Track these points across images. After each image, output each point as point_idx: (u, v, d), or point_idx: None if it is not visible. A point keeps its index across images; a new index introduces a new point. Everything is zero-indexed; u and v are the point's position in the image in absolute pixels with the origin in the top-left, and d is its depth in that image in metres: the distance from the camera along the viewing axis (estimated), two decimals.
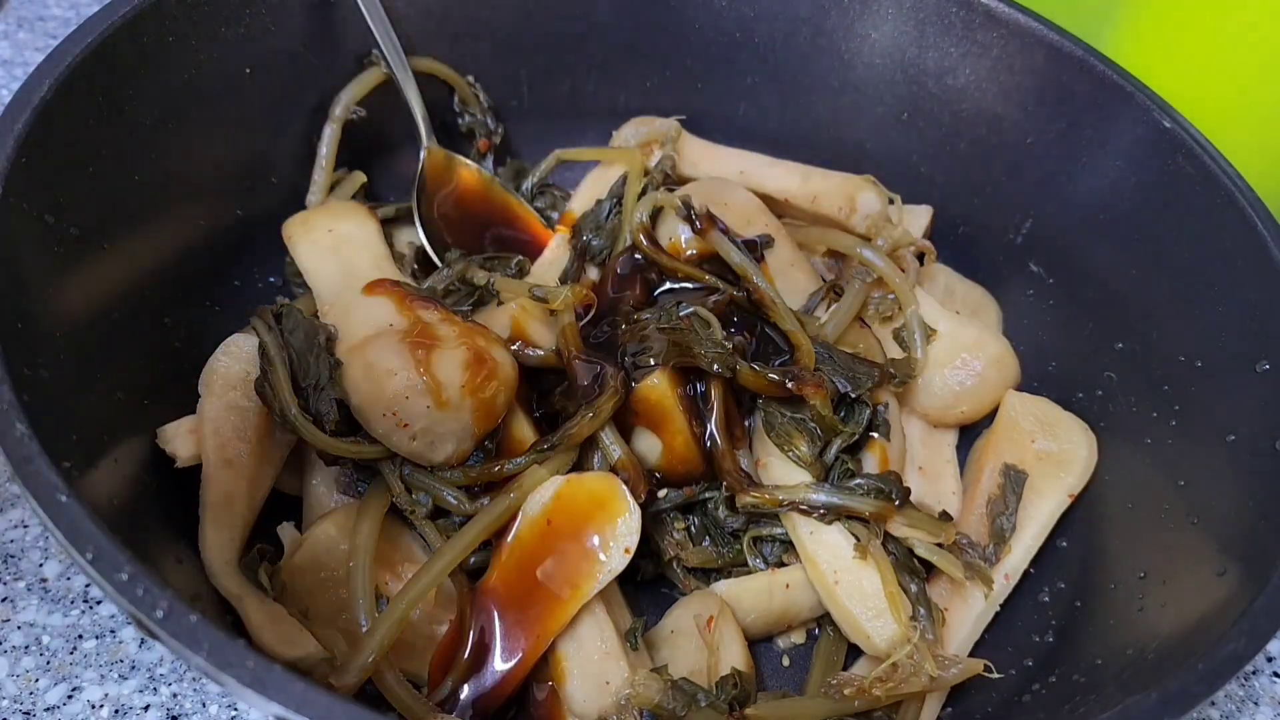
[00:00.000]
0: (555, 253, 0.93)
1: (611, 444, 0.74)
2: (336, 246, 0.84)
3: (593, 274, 0.88)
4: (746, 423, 0.80)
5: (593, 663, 0.68)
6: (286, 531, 0.73)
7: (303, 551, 0.71)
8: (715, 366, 0.75)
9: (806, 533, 0.75)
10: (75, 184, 0.67)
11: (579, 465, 0.74)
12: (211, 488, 0.71)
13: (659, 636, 0.75)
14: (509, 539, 0.70)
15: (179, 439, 0.72)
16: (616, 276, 0.85)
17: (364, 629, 0.66)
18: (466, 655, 0.68)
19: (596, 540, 0.68)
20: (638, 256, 0.84)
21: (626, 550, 0.67)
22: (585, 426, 0.72)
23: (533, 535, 0.70)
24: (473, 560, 0.72)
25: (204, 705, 0.71)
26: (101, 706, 0.70)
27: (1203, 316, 0.76)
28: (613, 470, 0.73)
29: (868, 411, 0.79)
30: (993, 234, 0.92)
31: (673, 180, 0.94)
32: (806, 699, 0.72)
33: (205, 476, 0.71)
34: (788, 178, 0.93)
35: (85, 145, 0.68)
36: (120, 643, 0.73)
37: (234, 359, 0.75)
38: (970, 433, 0.89)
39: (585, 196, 0.96)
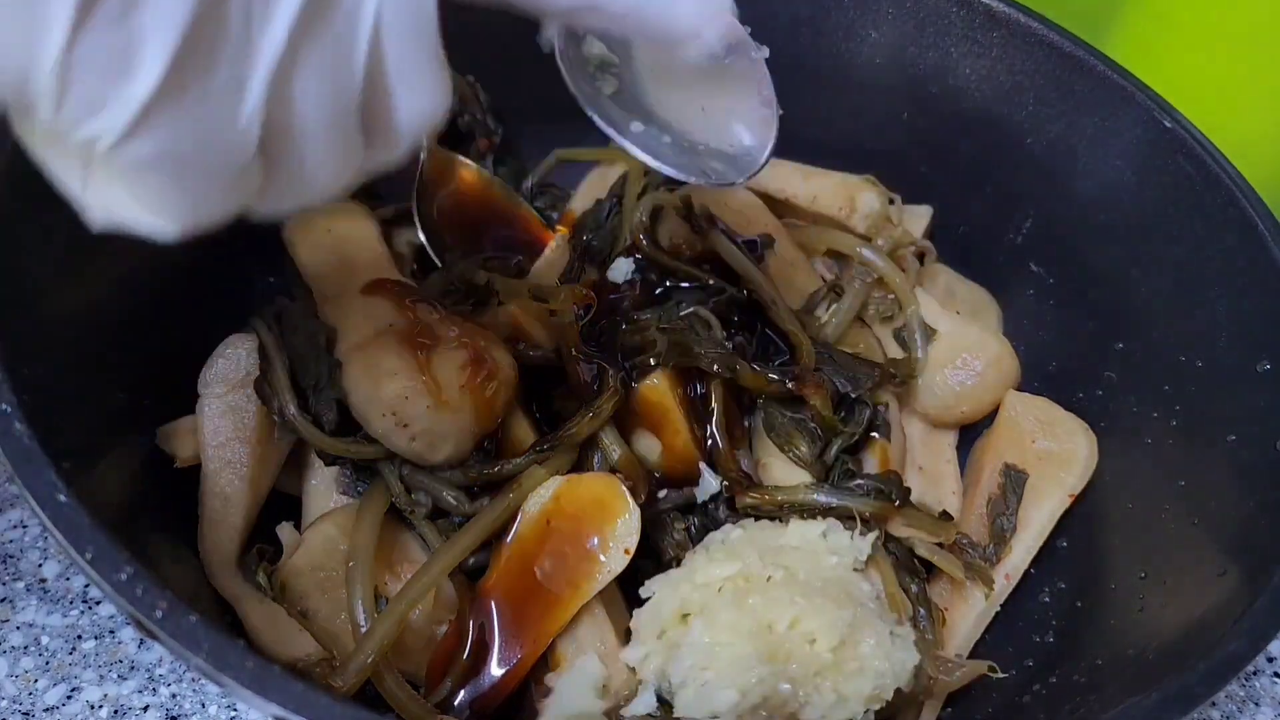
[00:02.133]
0: (555, 253, 0.92)
1: (611, 444, 0.74)
2: (336, 247, 0.84)
3: (593, 274, 0.88)
4: (746, 423, 0.80)
5: (592, 662, 0.68)
6: (286, 531, 0.73)
7: (302, 551, 0.71)
8: (715, 367, 0.75)
9: None
10: None
11: (579, 466, 0.74)
12: (211, 487, 0.71)
13: None
14: (508, 539, 0.70)
15: (178, 439, 0.72)
16: None
17: (363, 629, 0.66)
18: (465, 656, 0.68)
19: (596, 541, 0.68)
20: (638, 256, 0.84)
21: (626, 551, 0.67)
22: (585, 426, 0.72)
23: (532, 536, 0.69)
24: (472, 561, 0.72)
25: (203, 706, 0.71)
26: (101, 707, 0.70)
27: (1203, 316, 0.76)
28: (613, 471, 0.73)
29: (868, 412, 0.79)
30: (993, 234, 0.92)
31: (654, 178, 0.93)
32: None
33: (204, 476, 0.71)
34: (788, 177, 0.93)
35: None
36: (119, 643, 0.73)
37: (234, 359, 0.75)
38: (971, 433, 0.88)
39: (585, 196, 0.96)
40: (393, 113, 0.45)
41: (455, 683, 0.68)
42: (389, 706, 0.65)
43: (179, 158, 0.39)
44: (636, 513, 0.68)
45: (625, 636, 0.70)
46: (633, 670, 0.68)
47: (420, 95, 0.45)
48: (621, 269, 0.83)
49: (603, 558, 0.68)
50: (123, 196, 0.41)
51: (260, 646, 0.66)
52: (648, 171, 0.93)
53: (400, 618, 0.65)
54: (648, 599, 0.69)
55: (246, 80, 0.39)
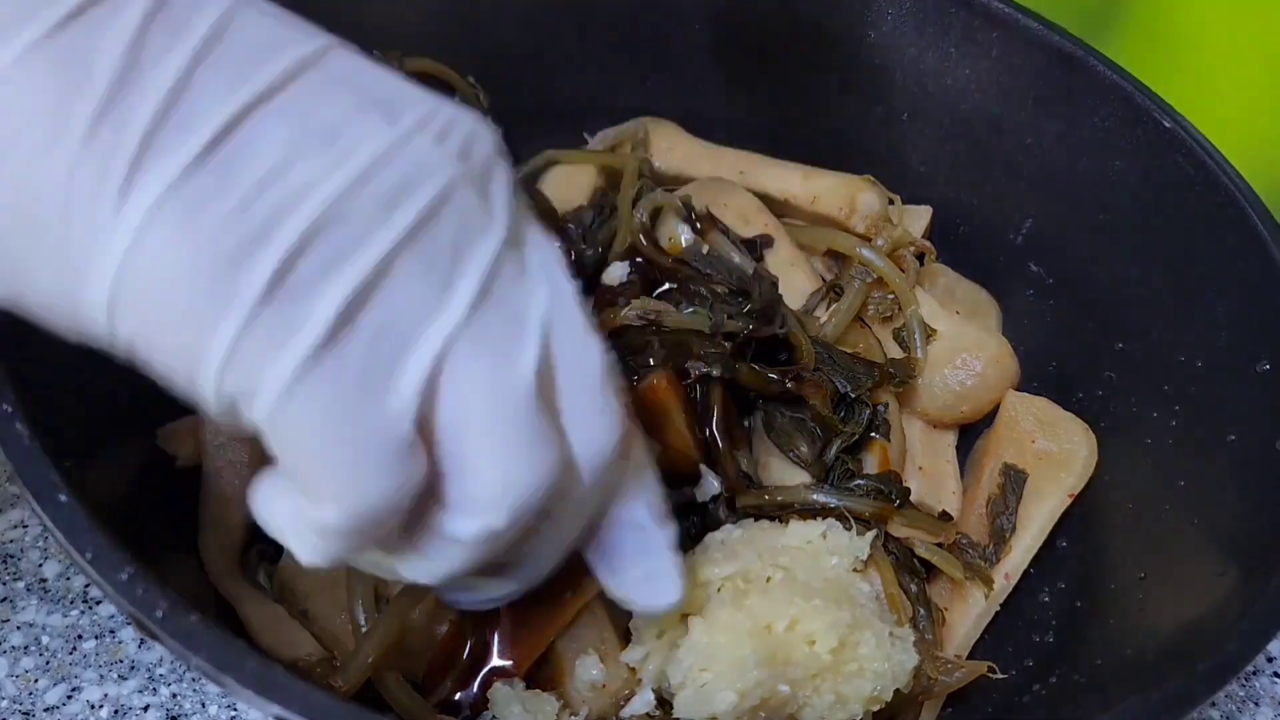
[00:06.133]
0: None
1: None
2: None
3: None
4: (746, 423, 0.80)
5: (592, 661, 0.68)
6: None
7: None
8: (715, 367, 0.75)
9: None
10: None
11: None
12: (212, 488, 0.71)
13: None
14: None
15: (179, 439, 0.72)
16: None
17: (364, 629, 0.66)
18: (466, 655, 0.68)
19: None
20: (639, 259, 0.84)
21: None
22: None
23: None
24: None
25: (203, 706, 0.71)
26: (101, 707, 0.70)
27: (1203, 316, 0.76)
28: None
29: (867, 411, 0.79)
30: (992, 234, 0.92)
31: (648, 179, 0.93)
32: None
33: (206, 476, 0.71)
34: (788, 178, 0.93)
35: None
36: (120, 643, 0.73)
37: None
38: (971, 433, 0.88)
39: (552, 194, 0.94)
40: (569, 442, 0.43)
41: (455, 683, 0.68)
42: (389, 707, 0.65)
43: (332, 422, 0.38)
44: None
45: (626, 636, 0.70)
46: (632, 670, 0.68)
47: (592, 427, 0.44)
48: (616, 272, 0.83)
49: None
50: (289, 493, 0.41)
51: (262, 646, 0.66)
52: (642, 174, 0.93)
53: (400, 617, 0.65)
54: None
55: (415, 341, 0.39)
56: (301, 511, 0.41)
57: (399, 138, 0.39)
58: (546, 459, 0.42)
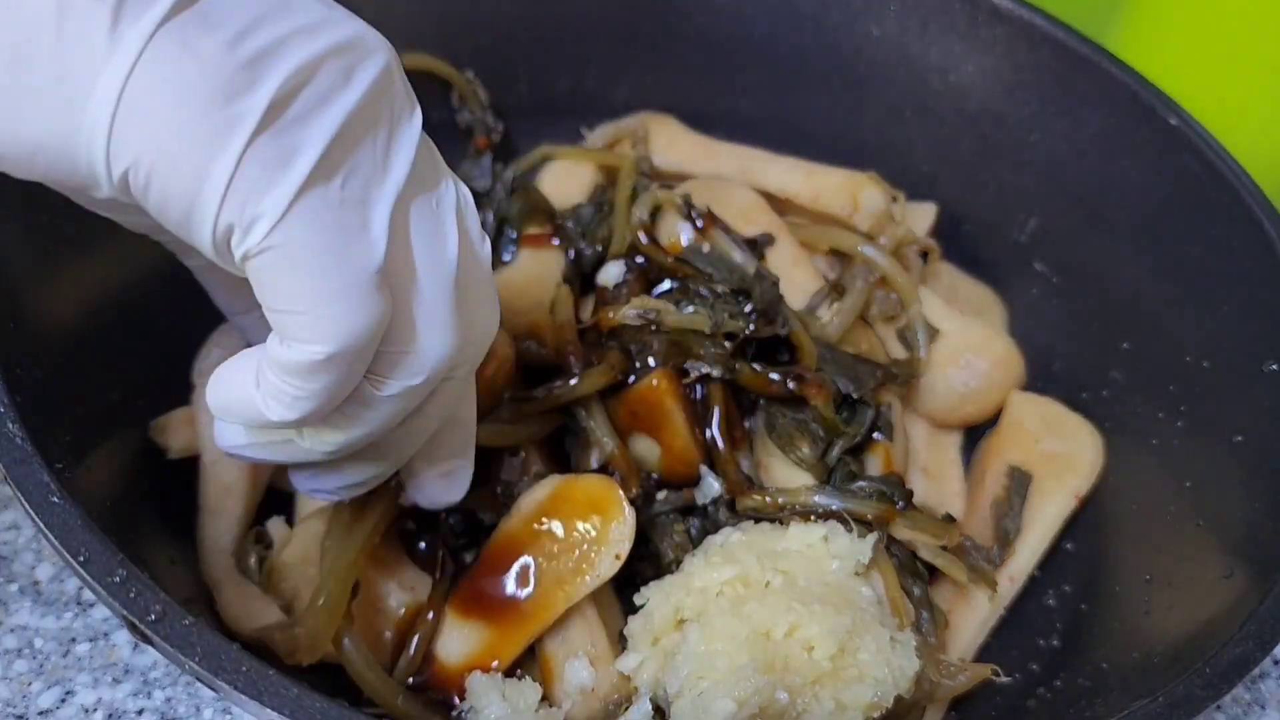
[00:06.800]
0: (556, 251, 0.91)
1: (603, 437, 0.73)
2: None
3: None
4: (747, 424, 0.80)
5: (581, 665, 0.67)
6: (277, 526, 0.72)
7: (292, 546, 0.70)
8: (715, 367, 0.74)
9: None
10: None
11: (576, 467, 0.73)
12: (211, 477, 0.71)
13: None
14: (495, 532, 0.70)
15: (172, 430, 0.71)
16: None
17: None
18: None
19: (587, 544, 0.67)
20: (638, 257, 0.83)
21: (617, 556, 0.66)
22: (567, 391, 0.72)
23: (523, 530, 0.69)
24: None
25: (198, 710, 0.70)
26: (95, 710, 0.70)
27: (1209, 316, 0.75)
28: (604, 466, 0.73)
29: (870, 412, 0.78)
30: (997, 232, 0.91)
31: (647, 177, 0.92)
32: None
33: (203, 467, 0.71)
34: (790, 175, 0.92)
35: None
36: (113, 646, 0.73)
37: (227, 348, 0.74)
38: (975, 433, 0.88)
39: (550, 191, 0.93)
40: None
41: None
42: (387, 713, 0.64)
43: (322, 248, 0.41)
44: (632, 519, 0.67)
45: (621, 641, 0.70)
46: (623, 676, 0.67)
47: (435, 333, 0.47)
48: (612, 273, 0.82)
49: (593, 561, 0.67)
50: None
51: (227, 620, 0.66)
52: (641, 171, 0.92)
53: (353, 562, 0.64)
54: (642, 606, 0.68)
55: (375, 192, 0.44)
56: (279, 362, 0.43)
57: (343, 19, 0.43)
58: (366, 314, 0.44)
